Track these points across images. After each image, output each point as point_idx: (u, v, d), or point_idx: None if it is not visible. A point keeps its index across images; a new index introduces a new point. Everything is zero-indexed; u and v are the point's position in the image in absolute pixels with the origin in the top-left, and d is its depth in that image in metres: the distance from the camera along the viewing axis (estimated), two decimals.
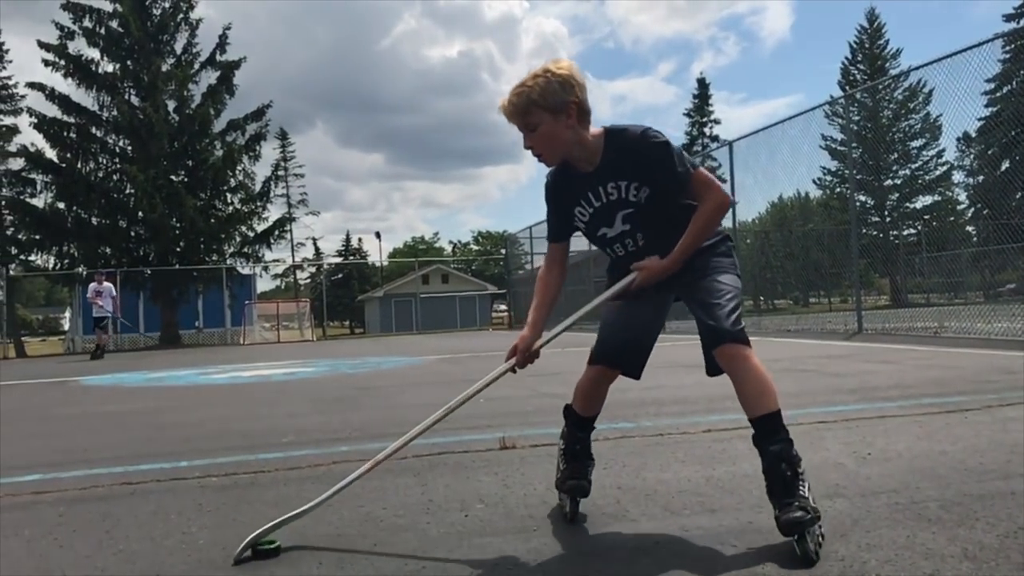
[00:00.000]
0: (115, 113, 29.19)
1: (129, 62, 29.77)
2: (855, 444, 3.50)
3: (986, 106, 29.62)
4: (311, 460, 3.77)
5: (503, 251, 38.78)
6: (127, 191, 29.12)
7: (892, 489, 2.71)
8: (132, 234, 29.70)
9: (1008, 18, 41.16)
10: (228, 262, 30.92)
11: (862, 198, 35.51)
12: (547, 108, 2.24)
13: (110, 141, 29.75)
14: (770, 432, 2.17)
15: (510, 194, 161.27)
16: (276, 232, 32.34)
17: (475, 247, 76.66)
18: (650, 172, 2.31)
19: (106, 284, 18.61)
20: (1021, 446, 3.29)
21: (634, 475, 3.11)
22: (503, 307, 38.09)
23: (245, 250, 31.69)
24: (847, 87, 44.83)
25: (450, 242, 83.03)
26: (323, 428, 4.90)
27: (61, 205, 29.04)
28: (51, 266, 28.91)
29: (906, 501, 2.55)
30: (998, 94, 30.95)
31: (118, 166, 29.27)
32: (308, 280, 63.22)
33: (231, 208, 31.28)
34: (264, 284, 56.52)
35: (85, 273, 18.53)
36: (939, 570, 1.92)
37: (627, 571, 2.05)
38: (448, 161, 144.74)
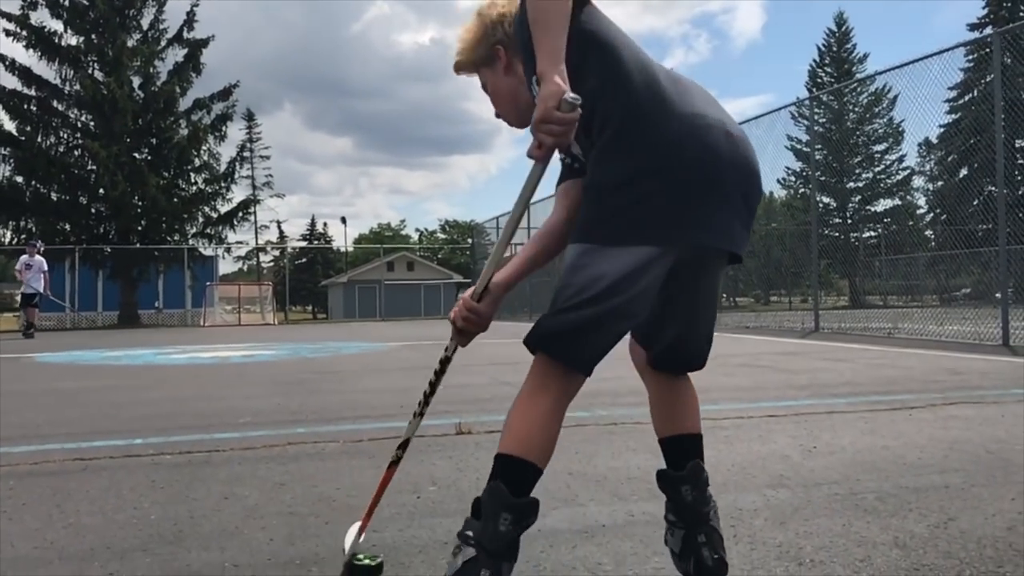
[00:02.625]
0: (78, 87, 28.62)
1: (94, 36, 29.20)
2: (802, 437, 3.60)
3: (947, 113, 30.19)
4: (266, 441, 3.78)
5: (470, 240, 38.76)
6: (88, 167, 28.59)
7: (833, 480, 2.79)
8: (92, 211, 29.20)
9: (971, 27, 41.94)
10: (190, 243, 30.55)
11: (825, 200, 36.02)
12: (478, 64, 1.88)
13: (72, 116, 29.19)
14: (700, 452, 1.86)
15: (479, 184, 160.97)
16: (240, 214, 32.01)
17: (442, 236, 76.47)
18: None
19: (37, 258, 17.03)
20: (959, 442, 3.40)
21: (586, 462, 3.17)
22: None
23: (208, 231, 31.34)
24: (814, 89, 45.37)
25: (417, 230, 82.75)
26: (280, 410, 4.91)
27: (19, 179, 28.42)
28: (7, 241, 28.34)
29: (845, 492, 2.63)
30: (959, 102, 31.55)
31: (80, 141, 28.71)
32: (271, 263, 62.68)
33: (195, 188, 30.90)
34: (226, 266, 55.88)
35: (42, 248, 17.89)
36: (870, 556, 2.00)
37: (572, 553, 2.10)
38: (417, 148, 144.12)
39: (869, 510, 2.41)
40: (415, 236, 78.86)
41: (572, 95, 1.44)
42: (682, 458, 1.82)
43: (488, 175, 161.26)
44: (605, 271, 1.57)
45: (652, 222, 1.58)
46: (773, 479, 2.82)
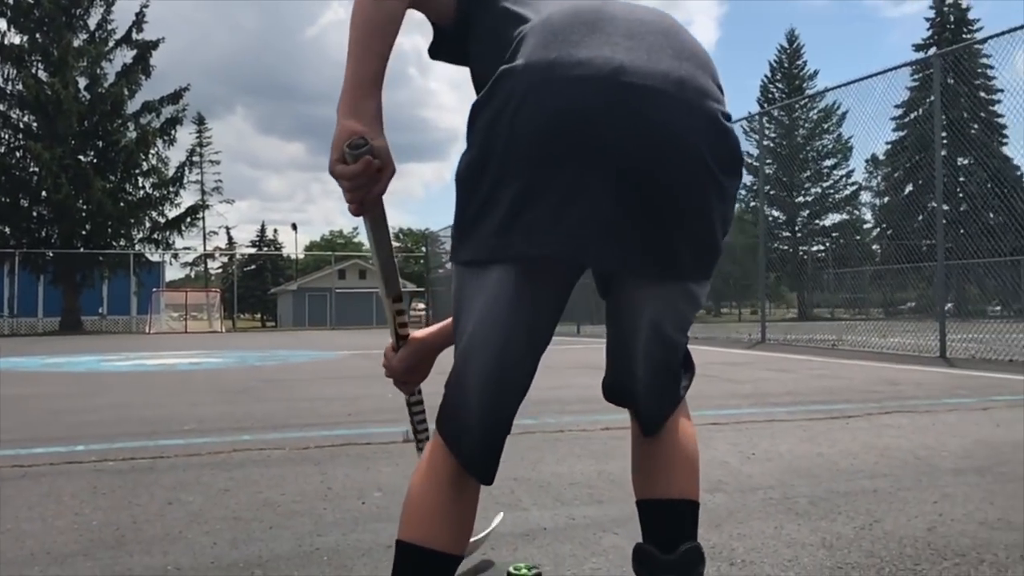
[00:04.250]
0: (20, 87, 28.02)
1: (38, 35, 28.65)
2: (742, 444, 3.69)
3: (894, 130, 31.02)
4: (211, 448, 3.76)
5: (424, 249, 38.69)
6: (31, 169, 28.01)
7: (769, 486, 2.88)
8: (34, 214, 28.59)
9: (917, 48, 43.21)
10: (136, 248, 30.03)
11: (774, 213, 36.74)
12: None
13: (14, 116, 28.60)
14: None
15: (434, 192, 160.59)
16: (188, 219, 31.63)
17: (396, 244, 76.28)
18: None
19: None
20: (890, 449, 3.53)
21: (531, 468, 3.22)
22: (421, 306, 37.93)
23: (155, 236, 30.88)
24: (766, 104, 46.28)
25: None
26: (226, 417, 4.87)
27: None
28: None
29: (779, 496, 2.72)
30: (905, 120, 32.46)
31: (22, 143, 28.14)
32: (219, 270, 61.88)
33: (142, 192, 30.46)
34: (173, 272, 55.04)
35: None
36: (797, 556, 2.08)
37: (513, 555, 2.15)
38: None
39: (800, 513, 2.50)
40: (368, 244, 78.40)
41: (356, 139, 1.17)
42: (667, 534, 1.39)
43: (444, 183, 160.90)
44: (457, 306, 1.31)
45: (474, 230, 1.22)
46: (711, 484, 2.90)
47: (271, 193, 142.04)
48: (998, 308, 20.68)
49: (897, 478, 2.97)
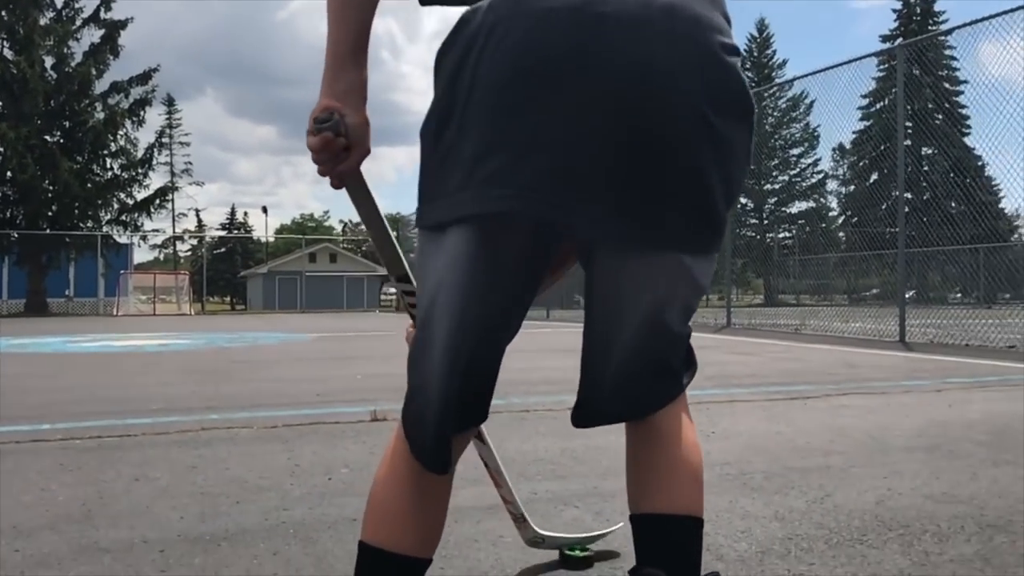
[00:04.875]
0: None
1: (4, 12, 28.08)
2: (703, 423, 3.78)
3: (860, 120, 31.34)
4: (179, 426, 3.78)
5: (395, 233, 38.53)
6: None
7: (726, 462, 2.96)
8: None
9: (884, 39, 43.66)
10: (104, 229, 29.65)
11: (742, 200, 37.05)
12: None
13: None
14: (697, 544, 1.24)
15: (406, 177, 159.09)
16: (157, 201, 31.27)
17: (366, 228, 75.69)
18: None
19: None
20: (846, 428, 3.63)
21: (496, 446, 3.22)
22: (392, 290, 37.89)
23: (123, 218, 30.51)
24: None
25: (340, 221, 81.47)
26: (194, 397, 4.88)
27: None
28: None
29: (736, 472, 2.80)
30: (871, 109, 32.81)
31: None
32: (189, 253, 61.16)
33: (110, 174, 30.05)
34: (142, 254, 54.38)
35: None
36: (750, 528, 2.16)
37: (476, 527, 2.20)
38: None
39: (755, 488, 2.58)
40: (339, 228, 77.85)
41: (323, 113, 1.12)
42: (668, 555, 1.19)
43: (415, 168, 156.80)
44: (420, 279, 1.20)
45: (434, 190, 1.12)
46: None
47: (241, 176, 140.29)
48: (959, 295, 21.07)
49: (850, 455, 3.07)
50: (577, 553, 1.91)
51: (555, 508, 2.37)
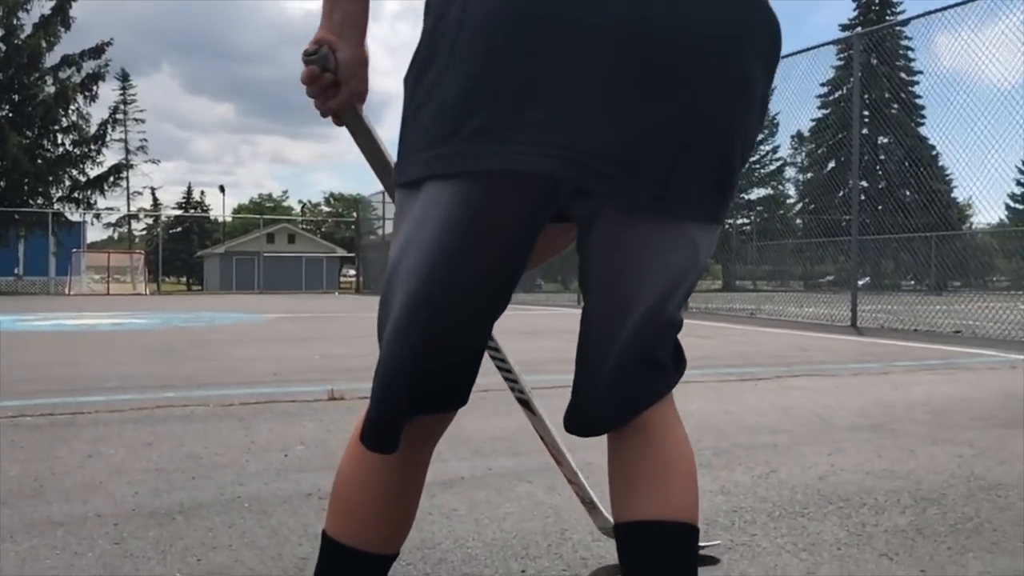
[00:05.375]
0: None
1: None
2: None
3: (818, 108, 31.76)
4: (134, 404, 3.76)
5: (355, 214, 38.33)
6: None
7: None
8: None
9: (843, 28, 44.20)
10: (55, 207, 29.02)
11: None
12: None
13: None
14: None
15: (363, 160, 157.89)
16: (111, 178, 30.68)
17: (326, 208, 75.06)
18: None
19: None
20: (794, 408, 3.73)
21: (454, 424, 3.27)
22: (352, 271, 37.68)
23: (75, 195, 29.87)
24: None
25: (300, 202, 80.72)
26: (149, 376, 4.84)
27: None
28: None
29: None
30: (830, 98, 33.26)
31: None
32: (144, 232, 60.15)
33: (61, 149, 29.39)
34: (95, 233, 53.34)
35: None
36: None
37: (430, 501, 2.24)
38: (303, 117, 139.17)
39: (703, 464, 2.65)
40: (298, 208, 77.02)
41: (312, 47, 1.07)
42: (660, 568, 1.07)
43: None
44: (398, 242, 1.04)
45: (414, 142, 1.00)
46: None
47: (199, 154, 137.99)
48: (912, 282, 21.53)
49: (797, 434, 3.16)
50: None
51: (509, 483, 2.42)
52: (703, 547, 1.58)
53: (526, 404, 1.50)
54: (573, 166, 0.90)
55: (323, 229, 62.54)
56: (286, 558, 1.81)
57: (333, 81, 1.07)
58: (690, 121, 0.92)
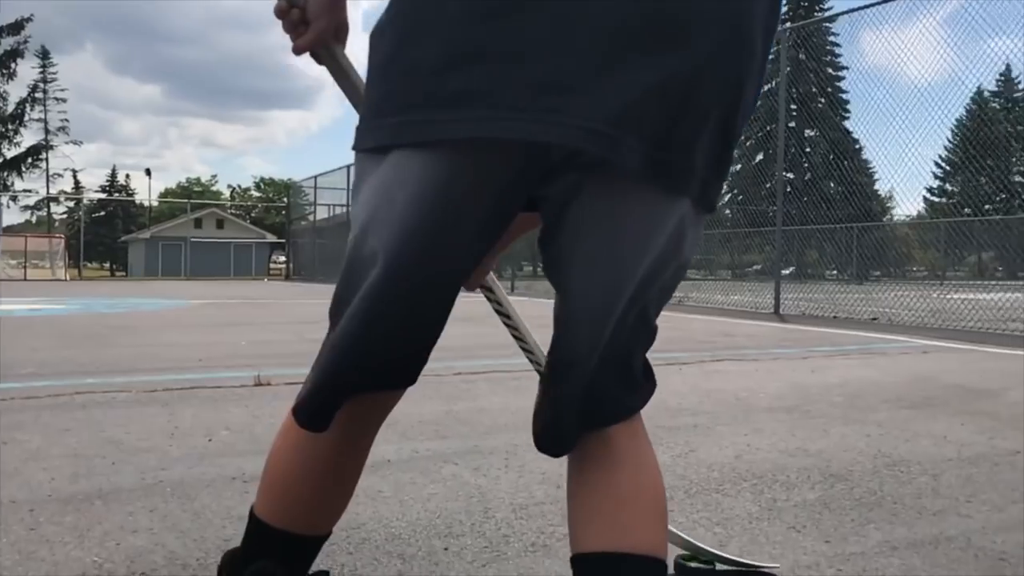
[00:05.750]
0: None
1: None
2: None
3: None
4: (52, 390, 3.66)
5: (286, 200, 37.71)
6: None
7: None
8: None
9: None
10: None
11: None
12: None
13: None
14: None
15: (298, 141, 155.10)
16: (29, 160, 29.60)
17: (256, 193, 73.66)
18: None
19: None
20: (715, 391, 3.84)
21: None
22: (282, 258, 37.08)
23: None
24: None
25: (229, 186, 78.85)
26: (68, 362, 4.72)
27: None
28: None
29: None
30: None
31: None
32: (65, 215, 58.12)
33: None
34: (12, 216, 51.22)
35: None
36: None
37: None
38: (233, 100, 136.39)
39: None
40: (227, 193, 75.34)
41: None
42: None
43: (308, 133, 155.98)
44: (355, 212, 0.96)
45: (383, 102, 0.90)
46: None
47: (124, 136, 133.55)
48: (835, 272, 22.20)
49: (717, 415, 3.26)
50: (694, 564, 1.61)
51: (434, 465, 2.44)
52: (761, 568, 1.61)
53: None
54: (568, 130, 0.80)
55: (253, 214, 61.38)
56: (209, 540, 1.80)
57: (302, 17, 1.01)
58: (693, 80, 0.82)
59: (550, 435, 1.02)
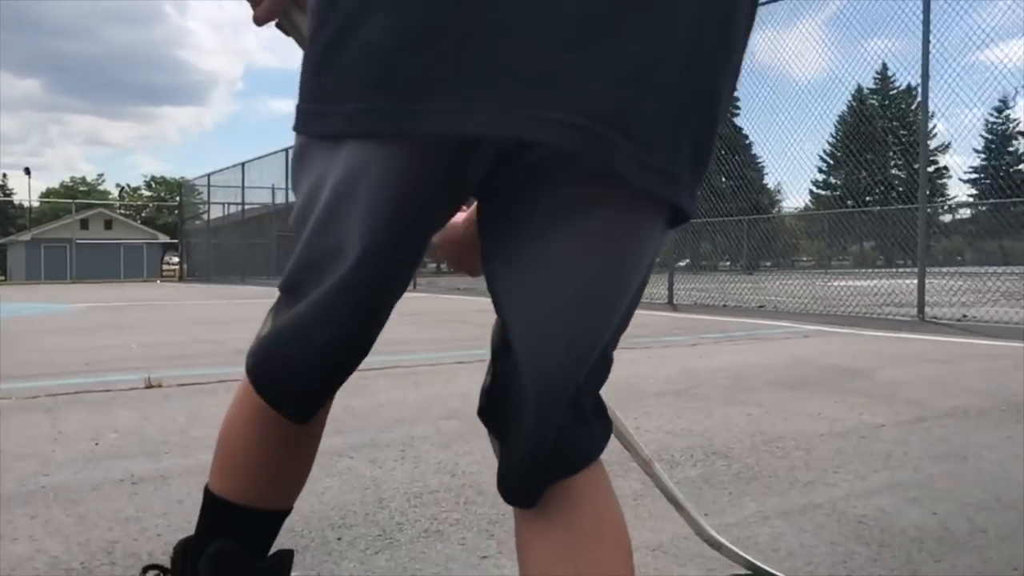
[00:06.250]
0: None
1: None
2: (475, 379, 3.97)
3: None
4: None
5: (178, 199, 36.51)
6: None
7: None
8: None
9: None
10: None
11: None
12: None
13: None
14: None
15: (192, 139, 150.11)
16: None
17: (147, 193, 70.97)
18: None
19: None
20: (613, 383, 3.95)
21: None
22: (175, 258, 35.88)
23: None
24: None
25: (117, 185, 75.76)
26: None
27: None
28: None
29: None
30: None
31: None
32: None
33: None
34: None
35: None
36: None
37: None
38: (121, 96, 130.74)
39: None
40: (115, 192, 72.35)
41: None
42: None
43: (202, 129, 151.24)
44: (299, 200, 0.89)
45: (338, 84, 0.77)
46: (447, 412, 3.14)
47: (1, 134, 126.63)
48: (728, 263, 22.97)
49: (607, 400, 3.36)
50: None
51: (330, 460, 2.45)
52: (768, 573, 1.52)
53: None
54: (537, 123, 0.70)
55: (143, 214, 59.16)
56: (93, 543, 1.77)
57: None
58: (674, 64, 0.73)
59: (514, 479, 0.89)
